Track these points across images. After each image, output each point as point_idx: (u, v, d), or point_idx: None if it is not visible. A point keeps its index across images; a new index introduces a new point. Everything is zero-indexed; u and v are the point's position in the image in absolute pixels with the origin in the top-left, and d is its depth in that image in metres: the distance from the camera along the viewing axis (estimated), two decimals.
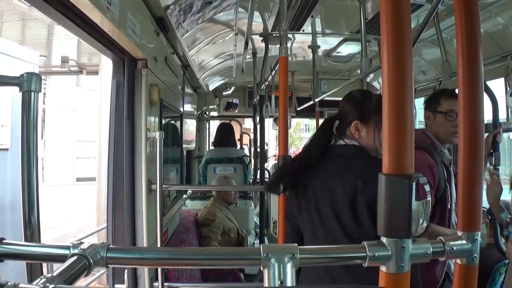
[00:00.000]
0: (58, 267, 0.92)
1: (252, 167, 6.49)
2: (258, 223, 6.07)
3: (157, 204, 2.91)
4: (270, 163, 11.45)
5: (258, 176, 5.55)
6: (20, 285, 0.72)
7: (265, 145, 6.41)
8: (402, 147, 1.02)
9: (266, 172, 5.65)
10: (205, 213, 4.96)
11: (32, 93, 1.17)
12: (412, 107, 1.03)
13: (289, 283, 1.02)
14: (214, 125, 9.59)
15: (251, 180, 6.43)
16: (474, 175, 1.17)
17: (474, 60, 1.20)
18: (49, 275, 0.85)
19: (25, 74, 1.17)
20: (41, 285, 0.72)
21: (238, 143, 7.80)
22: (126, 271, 2.84)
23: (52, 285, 0.71)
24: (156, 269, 2.98)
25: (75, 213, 13.11)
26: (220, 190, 5.25)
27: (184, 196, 5.46)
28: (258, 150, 5.37)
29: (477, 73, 1.19)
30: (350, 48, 5.16)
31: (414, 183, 0.99)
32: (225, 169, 6.34)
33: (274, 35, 4.17)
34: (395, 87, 1.02)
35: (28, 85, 1.16)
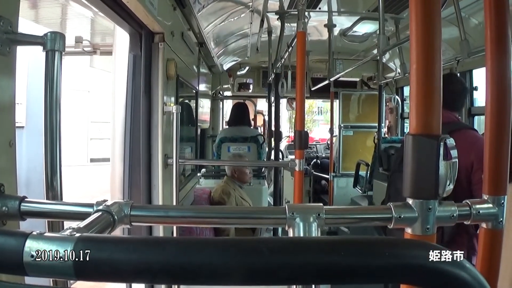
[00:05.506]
0: (83, 221, 0.91)
1: (266, 146, 6.47)
2: (272, 203, 6.06)
3: (173, 179, 2.90)
4: (283, 145, 11.41)
5: (272, 156, 5.53)
6: (45, 234, 0.70)
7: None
8: (429, 108, 1.00)
9: (280, 152, 5.61)
10: (220, 191, 4.95)
11: (56, 52, 1.16)
12: (440, 67, 1.01)
13: None
14: (227, 105, 9.58)
15: (265, 160, 6.40)
16: (501, 139, 1.15)
17: (501, 25, 1.18)
18: (75, 226, 0.85)
19: (48, 33, 1.15)
20: (68, 234, 0.71)
21: (252, 123, 7.77)
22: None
23: (79, 234, 0.70)
24: (172, 235, 2.97)
25: (89, 193, 13.19)
26: (236, 165, 5.21)
27: (198, 174, 5.45)
28: (273, 129, 5.35)
29: (504, 37, 1.17)
30: (366, 27, 5.11)
31: (442, 143, 0.98)
32: (239, 148, 6.29)
33: (290, 13, 4.14)
34: (423, 45, 0.99)
35: (52, 44, 1.15)
